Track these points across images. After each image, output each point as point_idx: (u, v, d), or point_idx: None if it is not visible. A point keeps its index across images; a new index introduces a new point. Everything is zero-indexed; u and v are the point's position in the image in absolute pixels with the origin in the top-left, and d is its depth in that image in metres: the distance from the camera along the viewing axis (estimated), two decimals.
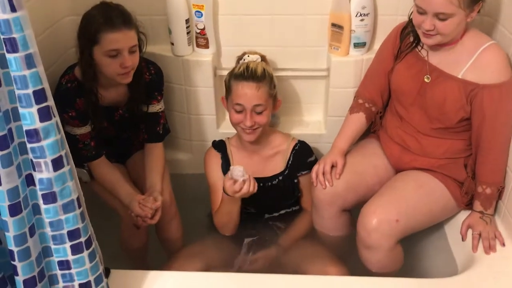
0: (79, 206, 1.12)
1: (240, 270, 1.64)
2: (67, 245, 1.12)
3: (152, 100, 1.72)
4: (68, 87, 1.57)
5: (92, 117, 1.62)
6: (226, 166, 1.76)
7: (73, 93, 1.57)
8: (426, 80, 1.58)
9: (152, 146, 1.76)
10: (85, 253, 1.15)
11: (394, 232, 1.52)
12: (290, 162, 1.76)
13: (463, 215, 1.63)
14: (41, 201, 1.06)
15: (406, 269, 1.62)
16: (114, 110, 1.70)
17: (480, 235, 1.53)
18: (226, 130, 1.97)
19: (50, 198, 1.06)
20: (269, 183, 1.75)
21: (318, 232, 1.76)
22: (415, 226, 1.59)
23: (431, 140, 1.63)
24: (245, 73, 1.60)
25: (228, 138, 1.84)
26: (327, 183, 1.65)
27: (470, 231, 1.57)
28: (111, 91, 1.64)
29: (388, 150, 1.73)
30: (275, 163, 1.77)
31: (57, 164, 1.04)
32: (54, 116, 1.03)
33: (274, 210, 1.80)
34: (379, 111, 1.77)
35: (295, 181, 1.77)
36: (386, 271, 1.58)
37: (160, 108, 1.76)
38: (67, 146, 1.08)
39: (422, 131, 1.64)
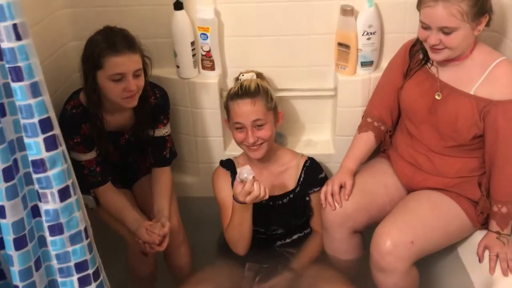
0: (87, 237, 1.09)
1: None
2: (75, 277, 1.09)
3: (158, 124, 1.70)
4: (73, 113, 1.55)
5: (98, 142, 1.60)
6: None
7: (78, 119, 1.55)
8: (437, 97, 1.55)
9: (159, 171, 1.74)
10: (93, 285, 1.12)
11: (409, 255, 1.48)
12: (301, 179, 1.73)
13: (478, 234, 1.58)
14: (47, 233, 1.03)
15: None
16: (119, 135, 1.68)
17: (497, 256, 1.49)
18: (233, 152, 1.94)
19: (57, 229, 1.03)
20: (280, 202, 1.71)
21: (329, 255, 1.72)
22: (430, 248, 1.54)
23: (443, 158, 1.60)
24: (239, 91, 1.61)
25: (236, 157, 1.81)
26: (336, 204, 1.62)
27: (486, 252, 1.52)
28: (116, 116, 1.62)
29: (399, 169, 1.70)
30: (285, 180, 1.74)
31: (63, 194, 1.01)
32: (61, 145, 1.00)
33: (286, 235, 1.76)
34: (388, 129, 1.74)
35: (307, 198, 1.74)
36: None
37: (167, 132, 1.73)
38: (73, 175, 1.05)
39: (434, 150, 1.61)
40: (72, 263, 1.07)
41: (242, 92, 1.60)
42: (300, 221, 1.76)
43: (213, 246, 1.87)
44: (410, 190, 1.68)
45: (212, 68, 1.84)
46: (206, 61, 1.83)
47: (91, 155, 1.60)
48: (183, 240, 1.72)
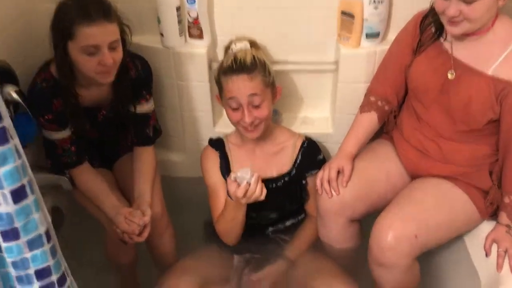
0: (49, 240, 0.95)
1: None
2: (35, 286, 0.95)
3: (140, 99, 1.54)
4: (43, 87, 1.38)
5: (72, 120, 1.44)
6: (225, 165, 1.60)
7: (49, 93, 1.39)
8: (449, 76, 1.39)
9: (141, 150, 1.59)
10: None
11: (412, 250, 1.36)
12: (298, 162, 1.59)
13: (485, 225, 1.46)
14: (0, 239, 0.89)
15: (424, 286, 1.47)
16: (96, 111, 1.52)
17: (506, 252, 1.37)
18: (223, 128, 1.79)
19: (11, 235, 0.88)
20: (274, 185, 1.58)
21: (323, 243, 1.60)
22: (435, 242, 1.43)
23: (453, 145, 1.46)
24: (233, 65, 1.44)
25: (227, 135, 1.67)
26: (333, 191, 1.49)
27: (494, 246, 1.40)
28: (92, 90, 1.46)
29: (404, 154, 1.55)
30: (280, 162, 1.60)
31: (18, 195, 0.86)
32: (12, 139, 0.84)
33: (279, 221, 1.64)
34: (393, 110, 1.59)
35: (303, 182, 1.61)
36: None
37: (150, 108, 1.57)
38: (30, 172, 0.90)
39: (443, 135, 1.46)
40: (32, 271, 0.94)
41: (237, 66, 1.43)
42: (295, 206, 1.64)
43: (200, 230, 1.76)
44: (414, 176, 1.55)
45: (200, 36, 1.66)
46: (194, 29, 1.65)
47: (64, 134, 1.45)
48: (166, 226, 1.59)
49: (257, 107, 1.46)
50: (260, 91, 1.45)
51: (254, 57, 1.46)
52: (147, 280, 1.67)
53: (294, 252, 1.58)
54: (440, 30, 1.40)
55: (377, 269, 1.42)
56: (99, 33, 1.28)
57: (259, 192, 1.36)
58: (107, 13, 1.29)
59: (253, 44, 1.56)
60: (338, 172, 1.51)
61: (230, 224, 1.51)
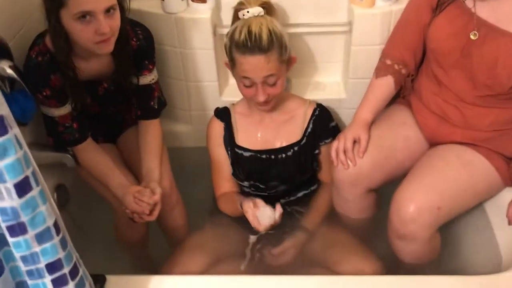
0: (58, 232, 0.89)
1: (256, 265, 1.44)
2: (47, 279, 0.91)
3: (142, 71, 1.45)
4: (38, 61, 1.29)
5: (72, 95, 1.36)
6: (229, 137, 1.54)
7: (46, 68, 1.29)
8: (472, 37, 1.30)
9: (146, 124, 1.51)
10: (71, 285, 0.94)
11: (434, 221, 1.32)
12: (309, 130, 1.52)
13: (507, 192, 1.41)
14: (7, 234, 0.83)
15: (443, 258, 1.43)
16: (97, 84, 1.43)
17: None
18: (230, 97, 1.71)
19: (18, 230, 0.83)
20: (283, 155, 1.52)
21: (339, 214, 1.55)
22: (457, 212, 1.38)
23: (475, 110, 1.38)
24: (248, 42, 1.32)
25: (233, 104, 1.59)
26: (349, 162, 1.42)
27: None
28: (91, 63, 1.36)
29: (423, 120, 1.48)
30: (289, 130, 1.53)
31: (22, 188, 0.80)
32: (11, 128, 0.77)
33: (289, 192, 1.58)
34: (410, 73, 1.50)
35: (316, 152, 1.55)
36: (421, 262, 1.40)
37: (153, 79, 1.48)
38: (33, 162, 0.83)
39: (465, 99, 1.39)
40: (42, 265, 0.89)
41: (252, 44, 1.31)
42: (305, 177, 1.58)
43: (210, 200, 1.70)
44: (433, 143, 1.49)
45: (203, 0, 1.55)
46: None
47: (65, 110, 1.37)
48: (176, 201, 1.53)
49: (272, 85, 1.38)
50: (276, 70, 1.36)
51: (270, 32, 1.33)
52: (159, 254, 1.63)
53: (311, 222, 1.53)
54: None
55: (398, 241, 1.38)
56: None
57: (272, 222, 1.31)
58: None
59: (268, 8, 1.41)
60: (354, 142, 1.45)
61: (233, 214, 1.50)
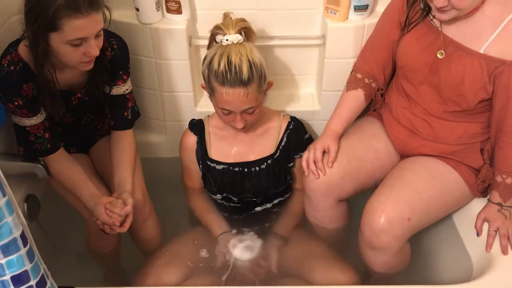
0: (25, 243, 0.88)
1: (232, 274, 1.44)
2: None
3: (116, 81, 1.44)
4: (10, 70, 1.27)
5: (47, 104, 1.34)
6: (201, 150, 1.54)
7: (18, 78, 1.28)
8: (439, 56, 1.34)
9: (119, 134, 1.50)
10: None
11: (405, 232, 1.34)
12: (283, 144, 1.53)
13: (475, 203, 1.45)
14: None
15: (416, 268, 1.46)
16: (71, 94, 1.42)
17: (497, 231, 1.35)
18: (205, 108, 1.72)
19: None
20: (256, 168, 1.53)
21: (311, 223, 1.57)
22: (427, 222, 1.40)
23: (444, 124, 1.42)
24: (228, 75, 1.30)
25: (209, 116, 1.59)
26: (319, 172, 1.44)
27: (485, 225, 1.38)
28: (66, 73, 1.35)
29: (393, 133, 1.51)
30: (263, 144, 1.54)
31: None
32: None
33: (265, 202, 1.59)
34: (380, 87, 1.53)
35: (290, 165, 1.56)
36: (392, 272, 1.42)
37: (127, 89, 1.48)
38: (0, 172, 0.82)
39: (433, 114, 1.42)
40: (8, 277, 0.87)
41: (231, 77, 1.30)
42: (279, 190, 1.59)
43: (184, 210, 1.69)
44: (403, 155, 1.52)
45: (178, 11, 1.56)
46: (171, 3, 1.55)
47: (37, 119, 1.35)
48: (149, 213, 1.52)
49: (250, 113, 1.39)
50: (255, 101, 1.37)
51: (251, 64, 1.32)
52: (131, 266, 1.61)
53: (284, 228, 1.55)
54: (428, 7, 1.33)
55: (369, 252, 1.40)
56: (89, 25, 1.18)
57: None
58: (95, 2, 1.18)
59: (246, 31, 1.41)
60: (324, 152, 1.46)
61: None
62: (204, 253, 1.49)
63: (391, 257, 1.37)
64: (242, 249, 1.46)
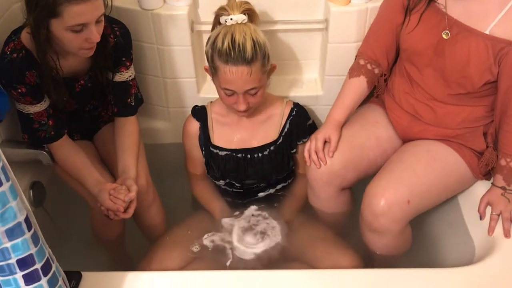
0: (29, 228, 0.89)
1: (234, 260, 1.45)
2: (18, 275, 0.91)
3: (119, 68, 1.44)
4: (13, 58, 1.28)
5: (52, 92, 1.35)
6: (204, 136, 1.54)
7: (21, 65, 1.28)
8: (444, 36, 1.33)
9: (123, 121, 1.50)
10: (43, 281, 0.94)
11: (405, 215, 1.35)
12: (285, 130, 1.53)
13: (479, 185, 1.44)
14: None
15: (419, 251, 1.46)
16: (74, 81, 1.42)
17: (500, 215, 1.35)
18: (208, 94, 1.72)
19: None
20: (259, 154, 1.53)
21: (314, 209, 1.57)
22: (428, 205, 1.41)
23: (447, 108, 1.41)
24: (231, 53, 1.30)
25: (211, 102, 1.59)
26: (321, 162, 1.44)
27: (489, 209, 1.38)
28: (69, 60, 1.36)
29: (396, 118, 1.51)
30: (266, 130, 1.54)
31: None
32: None
33: (268, 188, 1.60)
34: (383, 73, 1.52)
35: (293, 151, 1.56)
36: (393, 254, 1.43)
37: (130, 76, 1.48)
38: (2, 156, 0.83)
39: (437, 98, 1.41)
40: (13, 260, 0.89)
41: (235, 55, 1.30)
42: (281, 176, 1.59)
43: (188, 196, 1.70)
44: (406, 140, 1.51)
45: None
46: None
47: (40, 107, 1.36)
48: (153, 198, 1.53)
49: (253, 95, 1.39)
50: (258, 82, 1.36)
51: (254, 43, 1.32)
52: (136, 252, 1.63)
53: (288, 212, 1.56)
54: None
55: (369, 234, 1.41)
56: (89, 11, 1.18)
57: None
58: None
59: (250, 14, 1.39)
60: (326, 142, 1.46)
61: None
62: (207, 238, 1.50)
63: (391, 240, 1.38)
64: (245, 247, 1.45)
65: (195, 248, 1.45)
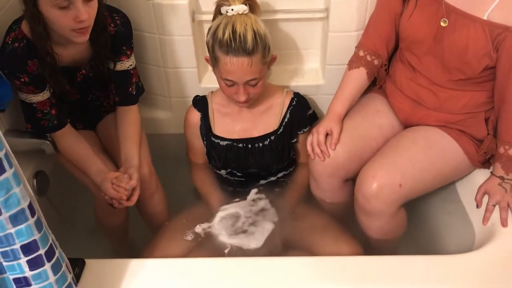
0: (33, 214, 0.91)
1: (233, 249, 1.46)
2: (23, 260, 0.92)
3: (120, 57, 1.45)
4: (15, 47, 1.28)
5: (51, 81, 1.36)
6: (205, 126, 1.55)
7: (23, 54, 1.29)
8: (442, 24, 1.33)
9: (125, 110, 1.52)
10: (47, 266, 0.96)
11: (396, 198, 1.36)
12: (286, 120, 1.54)
13: (478, 173, 1.45)
14: None
15: (419, 239, 1.48)
16: (75, 71, 1.43)
17: (496, 205, 1.36)
18: (209, 84, 1.72)
19: None
20: (260, 144, 1.54)
21: (316, 198, 1.58)
22: (421, 190, 1.42)
23: (450, 92, 1.41)
24: (232, 43, 1.31)
25: (212, 92, 1.60)
26: (324, 155, 1.45)
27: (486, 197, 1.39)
28: (69, 49, 1.37)
29: (397, 104, 1.51)
30: (267, 120, 1.55)
31: None
32: None
33: (269, 176, 1.61)
34: (383, 63, 1.52)
35: (293, 141, 1.57)
36: (388, 238, 1.45)
37: (131, 65, 1.49)
38: (5, 143, 0.84)
39: (439, 83, 1.42)
40: (17, 246, 0.90)
41: (236, 45, 1.30)
42: (282, 165, 1.60)
43: (190, 185, 1.72)
44: (408, 126, 1.52)
45: None
46: None
47: (43, 96, 1.37)
48: (156, 187, 1.54)
49: (253, 85, 1.39)
50: (259, 73, 1.37)
51: (255, 33, 1.32)
52: (140, 240, 1.65)
53: (289, 200, 1.57)
54: None
55: (363, 217, 1.42)
56: None
57: None
58: None
59: (252, 4, 1.39)
60: (327, 135, 1.47)
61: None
62: (205, 226, 1.51)
63: (385, 223, 1.39)
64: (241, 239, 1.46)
65: (189, 237, 1.46)
